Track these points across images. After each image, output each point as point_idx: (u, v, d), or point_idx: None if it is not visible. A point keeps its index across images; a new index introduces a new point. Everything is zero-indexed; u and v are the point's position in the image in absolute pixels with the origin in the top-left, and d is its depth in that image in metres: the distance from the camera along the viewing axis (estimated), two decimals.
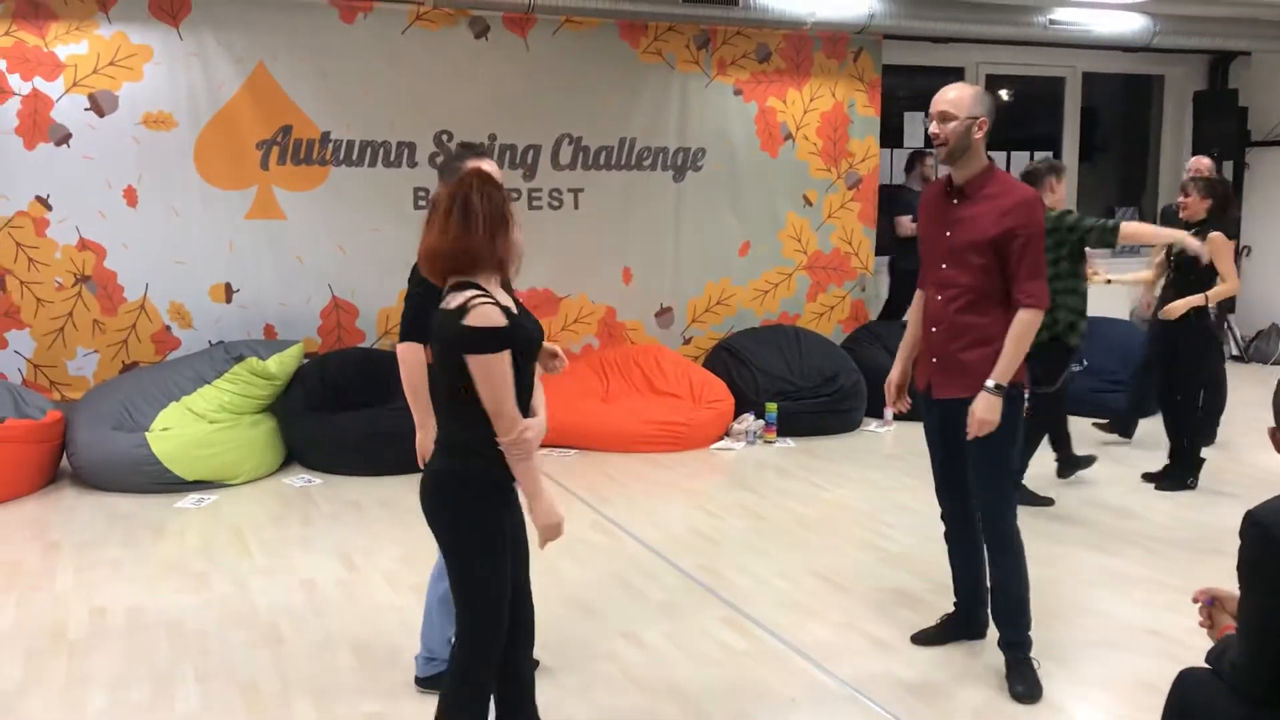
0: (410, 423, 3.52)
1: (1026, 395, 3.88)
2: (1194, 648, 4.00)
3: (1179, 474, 6.14)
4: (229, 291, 7.19)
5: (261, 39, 7.04)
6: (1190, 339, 6.07)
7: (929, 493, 6.15)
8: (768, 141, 8.48)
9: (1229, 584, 2.65)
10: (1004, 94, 9.93)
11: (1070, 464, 6.22)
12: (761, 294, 8.65)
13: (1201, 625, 2.67)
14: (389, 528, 5.54)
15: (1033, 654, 3.78)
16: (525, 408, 2.83)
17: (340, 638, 4.20)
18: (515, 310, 2.83)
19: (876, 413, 7.80)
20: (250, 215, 7.16)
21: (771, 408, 7.39)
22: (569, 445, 7.06)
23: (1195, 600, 2.72)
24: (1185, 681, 2.59)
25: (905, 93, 9.28)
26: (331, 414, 6.68)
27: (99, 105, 6.76)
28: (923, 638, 4.10)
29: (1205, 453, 6.31)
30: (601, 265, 8.06)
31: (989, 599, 3.96)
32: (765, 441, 7.32)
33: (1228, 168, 10.53)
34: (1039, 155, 6.38)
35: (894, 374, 4.04)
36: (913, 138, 9.28)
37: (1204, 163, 6.96)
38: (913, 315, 4.02)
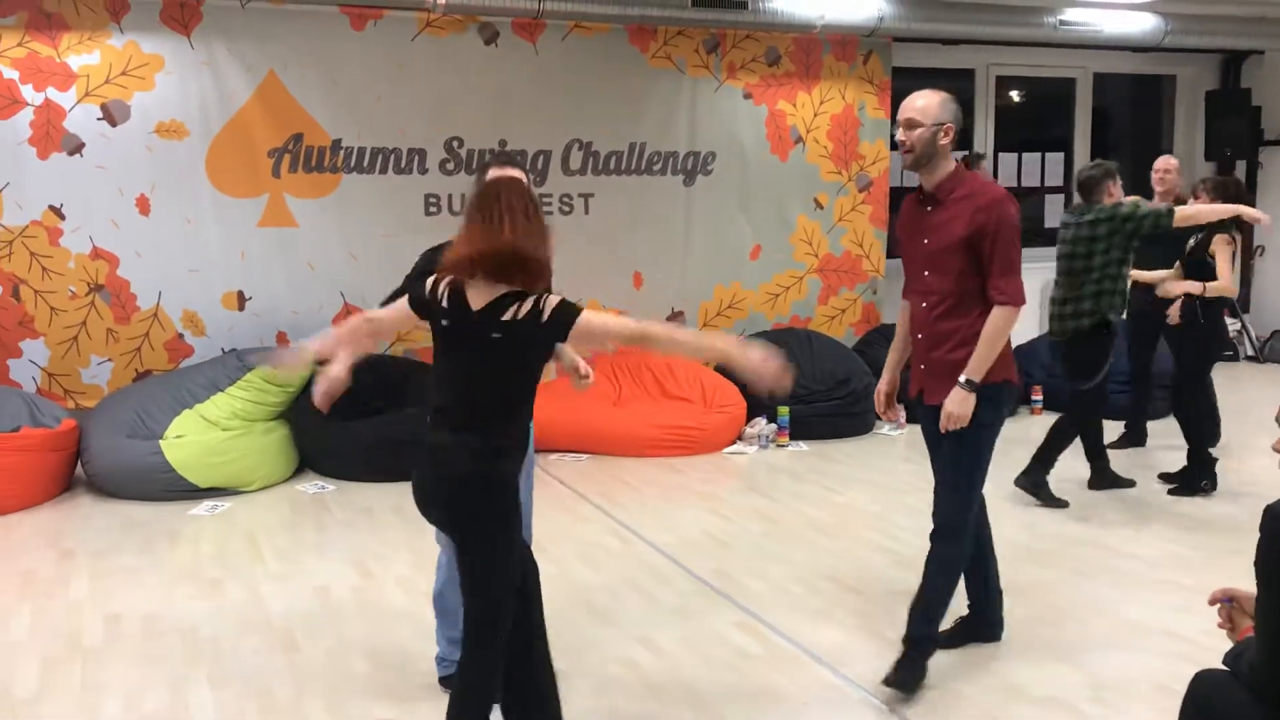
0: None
1: (1038, 398, 3.90)
2: (1210, 649, 3.97)
3: (1192, 478, 6.08)
4: (241, 299, 7.21)
5: (272, 47, 7.06)
6: (1193, 341, 6.03)
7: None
8: (778, 145, 8.47)
9: (1246, 585, 2.63)
10: (1014, 95, 9.90)
11: (1107, 478, 6.14)
12: (773, 297, 8.64)
13: (1221, 627, 2.66)
14: (402, 534, 5.55)
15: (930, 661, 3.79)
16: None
17: (354, 644, 4.21)
18: None
19: None
20: (262, 223, 7.19)
21: (784, 411, 7.38)
22: (581, 450, 7.05)
23: (1213, 602, 2.70)
24: (1202, 683, 2.58)
25: None
26: (344, 421, 6.68)
27: (111, 115, 6.79)
28: (939, 641, 4.06)
29: (1219, 453, 6.27)
30: (612, 270, 8.06)
31: (999, 600, 4.01)
32: (778, 445, 7.31)
33: (1241, 168, 10.50)
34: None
35: (881, 383, 4.09)
36: None
37: (1171, 163, 6.89)
38: (899, 324, 4.05)
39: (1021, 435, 7.64)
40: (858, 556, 5.17)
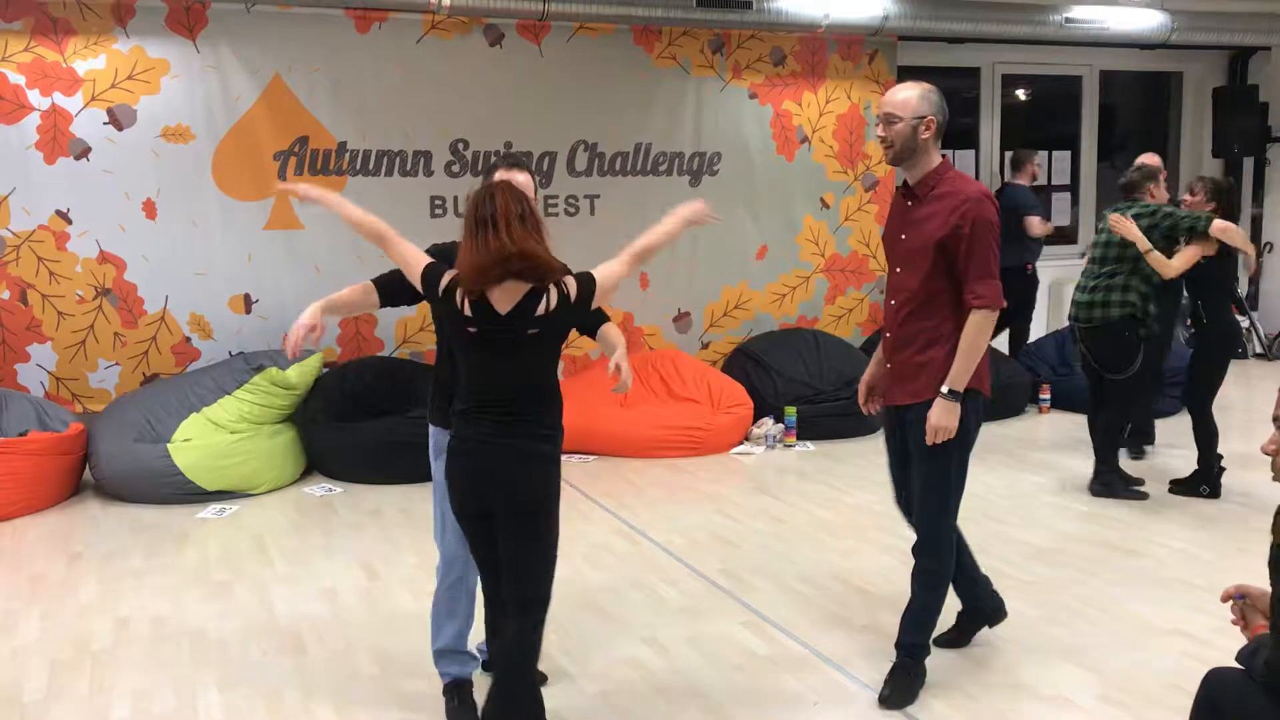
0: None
1: (1045, 396, 3.87)
2: (1220, 648, 3.96)
3: (1196, 482, 6.03)
4: (248, 302, 7.22)
5: (277, 51, 7.07)
6: (1207, 341, 5.98)
7: None
8: (784, 145, 8.46)
9: (1257, 583, 2.62)
10: (1020, 94, 9.88)
11: (1115, 479, 6.08)
12: (779, 297, 8.64)
13: (1234, 624, 2.64)
14: (410, 536, 5.55)
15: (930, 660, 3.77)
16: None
17: (362, 646, 4.21)
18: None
19: None
20: (269, 226, 7.20)
21: (791, 411, 7.37)
22: (589, 451, 7.05)
23: (1225, 599, 2.69)
24: (1214, 681, 2.56)
25: None
26: (351, 423, 6.70)
27: (118, 119, 6.80)
28: (943, 641, 4.04)
29: (1222, 449, 6.24)
30: None
31: (988, 584, 4.01)
32: (785, 445, 7.31)
33: (1248, 165, 10.48)
34: (1127, 159, 6.34)
35: (865, 374, 3.95)
36: None
37: (1154, 160, 6.86)
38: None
39: (1029, 434, 7.65)
40: (866, 557, 5.16)
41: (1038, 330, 9.46)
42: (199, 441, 6.26)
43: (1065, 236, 9.98)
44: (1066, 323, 7.05)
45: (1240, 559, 4.90)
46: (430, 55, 7.42)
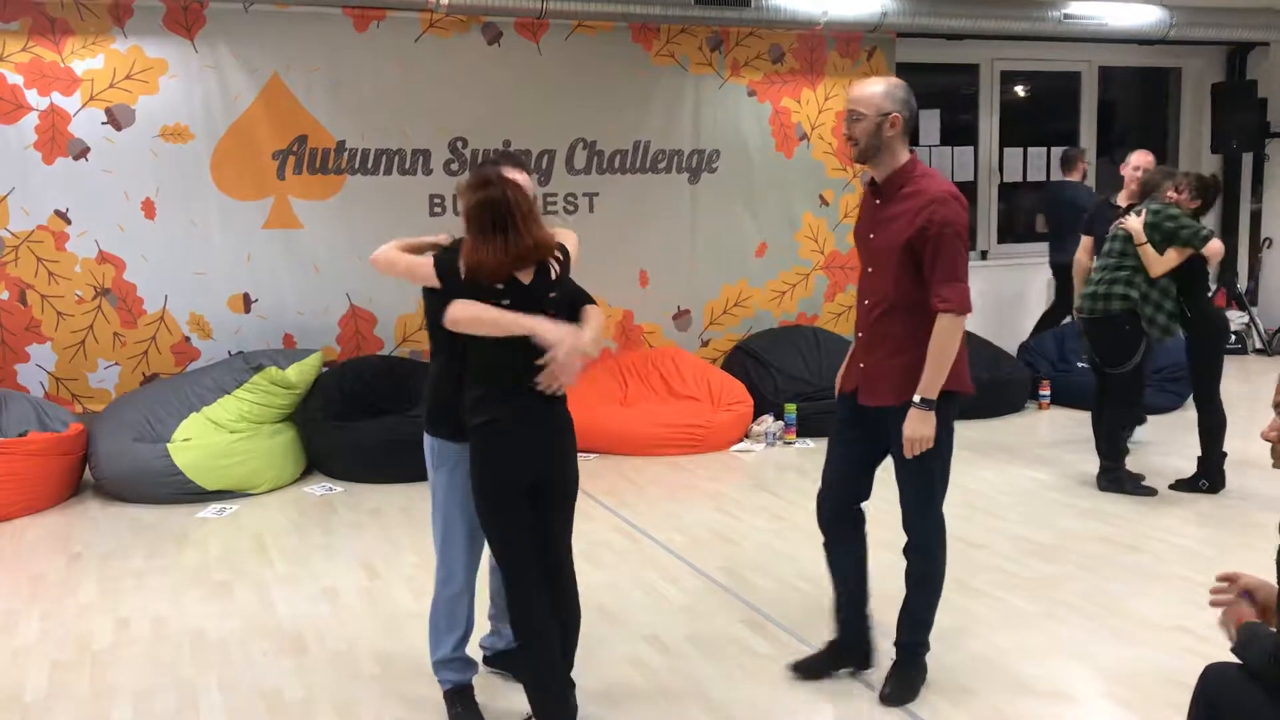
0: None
1: (1045, 392, 3.84)
2: (1220, 643, 3.95)
3: (1196, 477, 6.02)
4: (247, 302, 7.22)
5: (275, 50, 7.07)
6: (1198, 334, 5.97)
7: (951, 491, 6.12)
8: (783, 142, 8.46)
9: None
10: (1019, 90, 9.88)
11: (1123, 474, 6.08)
12: (779, 295, 8.63)
13: (1214, 605, 2.61)
14: (410, 535, 5.55)
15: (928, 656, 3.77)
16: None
17: (363, 646, 4.21)
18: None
19: None
20: (267, 225, 7.20)
21: (791, 409, 7.37)
22: (588, 449, 7.04)
23: (1220, 580, 2.66)
24: (1212, 677, 2.56)
25: (920, 90, 9.19)
26: (351, 422, 6.70)
27: (116, 119, 6.80)
28: (803, 668, 3.86)
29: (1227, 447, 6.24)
30: (618, 269, 8.05)
31: (864, 623, 3.88)
32: (785, 443, 7.31)
33: (1247, 160, 10.47)
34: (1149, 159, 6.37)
35: (840, 372, 3.87)
36: (928, 135, 9.24)
37: (1147, 159, 6.85)
38: None
39: (1029, 430, 7.65)
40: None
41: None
42: (199, 441, 6.26)
43: None
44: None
45: (1241, 554, 4.90)
46: (429, 54, 7.42)
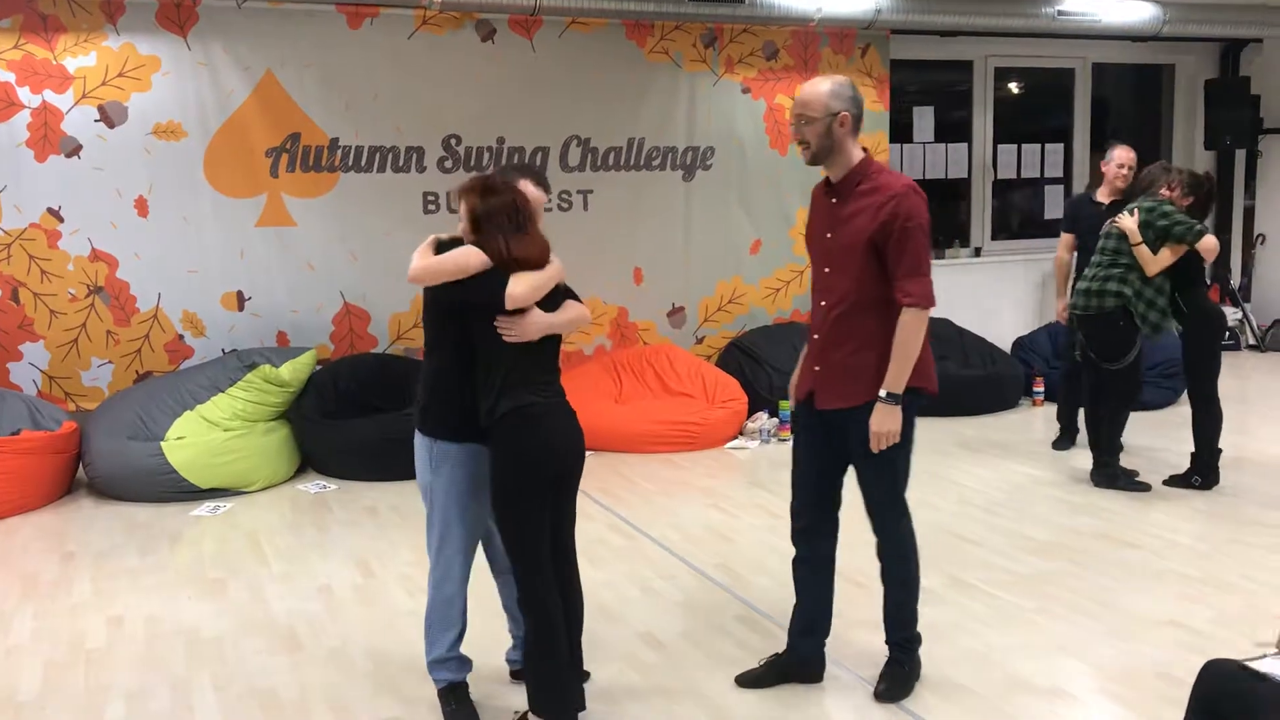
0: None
1: (1039, 389, 3.82)
2: (1214, 638, 3.98)
3: (1188, 473, 6.02)
4: (241, 299, 7.20)
5: (269, 47, 7.05)
6: (1195, 330, 5.96)
7: (943, 488, 6.16)
8: (777, 139, 8.45)
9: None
10: (1013, 86, 9.88)
11: (1112, 475, 6.07)
12: (773, 292, 8.63)
13: None
14: (404, 533, 5.55)
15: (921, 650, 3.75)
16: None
17: (357, 643, 4.20)
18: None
19: None
20: (261, 223, 7.18)
21: (785, 405, 7.36)
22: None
23: None
24: (1212, 673, 2.56)
25: (914, 87, 9.24)
26: (345, 420, 6.69)
27: (109, 116, 6.78)
28: (747, 679, 3.78)
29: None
30: (612, 266, 8.05)
31: (814, 638, 3.78)
32: (780, 439, 7.30)
33: (1240, 156, 10.49)
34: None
35: (794, 376, 3.79)
36: (922, 132, 9.25)
37: (1130, 155, 6.84)
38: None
39: (1024, 427, 7.65)
40: (860, 550, 5.11)
41: (1031, 324, 9.48)
42: (192, 439, 6.25)
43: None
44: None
45: (1235, 550, 4.90)
46: (422, 51, 7.40)
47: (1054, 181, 9.95)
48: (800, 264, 8.67)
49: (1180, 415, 6.16)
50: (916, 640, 3.75)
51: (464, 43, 7.50)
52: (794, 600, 3.81)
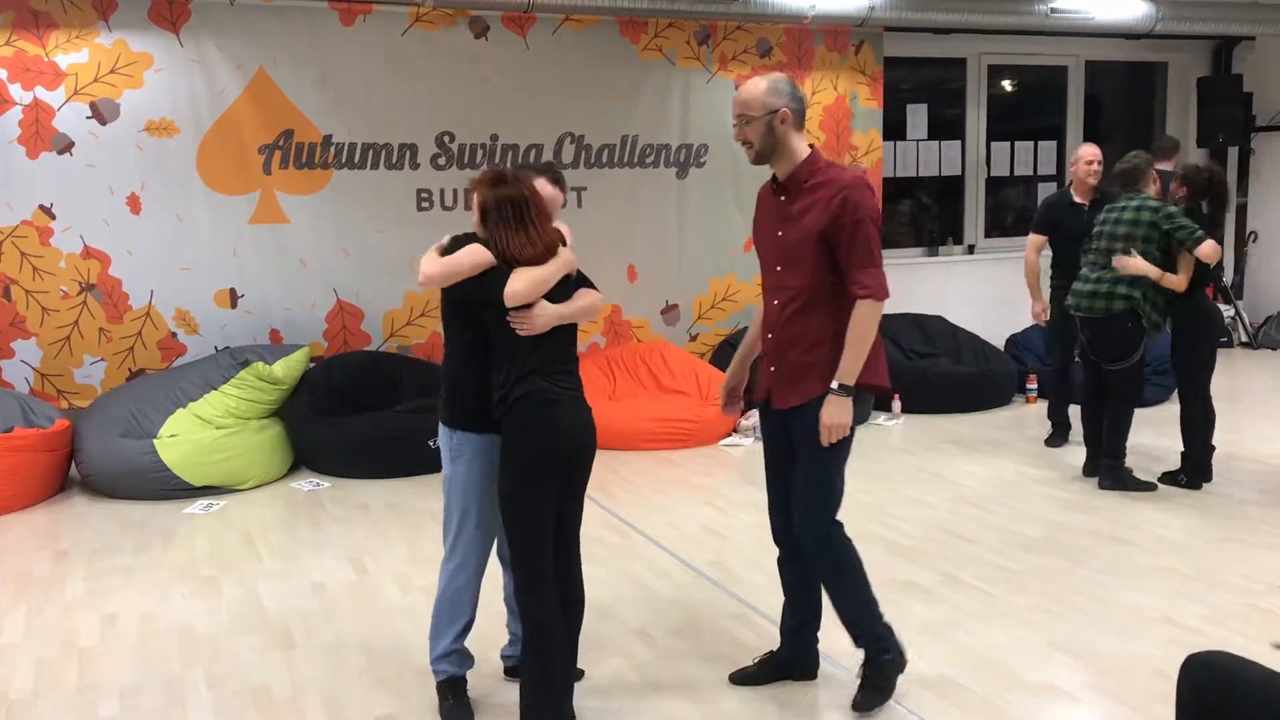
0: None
1: (1032, 386, 3.79)
2: (1208, 635, 3.98)
3: (1178, 471, 6.03)
4: (234, 297, 7.19)
5: (261, 44, 7.04)
6: (1190, 328, 5.97)
7: (938, 485, 6.17)
8: None
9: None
10: (1006, 84, 9.89)
11: (1125, 472, 6.07)
12: None
13: None
14: (398, 530, 5.54)
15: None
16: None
17: (351, 640, 4.20)
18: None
19: (884, 406, 7.80)
20: (254, 220, 7.17)
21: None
22: None
23: None
24: (1194, 666, 2.55)
25: (908, 85, 9.26)
26: (339, 417, 6.68)
27: (101, 113, 6.76)
28: (741, 677, 3.78)
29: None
30: (606, 263, 8.03)
31: (806, 633, 3.73)
32: None
33: (1233, 154, 10.51)
34: (1124, 147, 6.26)
35: (727, 375, 3.81)
36: (916, 130, 9.26)
37: (1092, 150, 6.84)
38: (754, 319, 3.79)
39: (1017, 424, 7.66)
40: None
41: (1024, 321, 9.47)
42: (185, 437, 6.24)
43: None
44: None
45: (1228, 547, 4.92)
46: (416, 48, 7.39)
47: (1047, 179, 9.98)
48: None
49: (1175, 412, 6.17)
50: (884, 651, 3.56)
51: (457, 40, 7.50)
52: (776, 599, 3.80)
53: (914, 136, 9.31)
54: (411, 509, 5.85)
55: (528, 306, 3.25)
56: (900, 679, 3.64)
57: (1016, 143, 9.80)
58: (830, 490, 3.45)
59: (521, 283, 3.24)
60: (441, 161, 7.54)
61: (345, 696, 3.74)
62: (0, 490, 5.88)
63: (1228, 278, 10.55)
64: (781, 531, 3.67)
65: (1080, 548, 5.06)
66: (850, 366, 3.31)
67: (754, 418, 7.38)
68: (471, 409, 3.38)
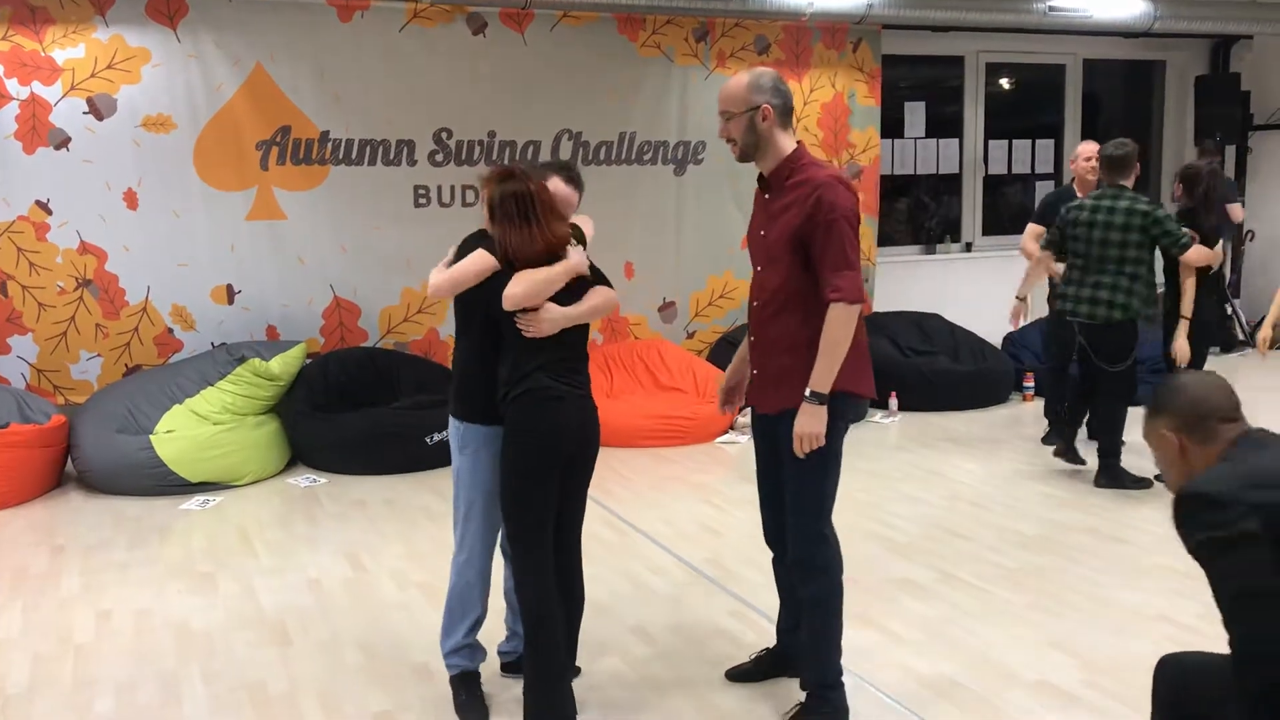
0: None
1: (1029, 384, 3.79)
2: (1204, 633, 3.99)
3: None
4: (231, 293, 7.18)
5: (259, 39, 7.03)
6: (1172, 329, 6.01)
7: (935, 483, 6.17)
8: None
9: None
10: (1004, 82, 9.90)
11: (1121, 470, 6.08)
12: None
13: None
14: (394, 526, 5.54)
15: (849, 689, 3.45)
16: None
17: (347, 637, 4.20)
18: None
19: (881, 404, 7.80)
20: (251, 216, 7.16)
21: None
22: None
23: None
24: (1168, 668, 2.55)
25: (906, 82, 9.26)
26: (335, 414, 6.68)
27: (98, 109, 6.75)
28: (737, 674, 3.76)
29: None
30: (603, 261, 7.83)
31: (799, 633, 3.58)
32: None
33: (1230, 152, 10.51)
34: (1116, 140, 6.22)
35: (725, 374, 3.76)
36: (914, 128, 9.26)
37: (1092, 147, 6.84)
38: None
39: (1013, 422, 7.67)
40: (851, 545, 5.12)
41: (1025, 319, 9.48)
42: (182, 433, 6.23)
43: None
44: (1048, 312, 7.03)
45: None
46: (413, 44, 7.39)
47: (1045, 177, 9.98)
48: None
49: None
50: (833, 689, 3.38)
51: (455, 36, 7.49)
52: (772, 596, 3.80)
53: (912, 134, 9.30)
54: (408, 505, 5.85)
55: (534, 309, 3.24)
56: (898, 676, 3.65)
57: (1014, 141, 9.80)
58: (819, 496, 3.33)
59: (520, 286, 3.23)
60: (439, 158, 7.53)
61: (341, 693, 3.73)
62: None
63: (1225, 277, 10.55)
64: (773, 532, 3.64)
65: (1077, 545, 5.06)
66: (823, 374, 3.16)
67: (750, 415, 7.37)
68: (480, 403, 3.39)
